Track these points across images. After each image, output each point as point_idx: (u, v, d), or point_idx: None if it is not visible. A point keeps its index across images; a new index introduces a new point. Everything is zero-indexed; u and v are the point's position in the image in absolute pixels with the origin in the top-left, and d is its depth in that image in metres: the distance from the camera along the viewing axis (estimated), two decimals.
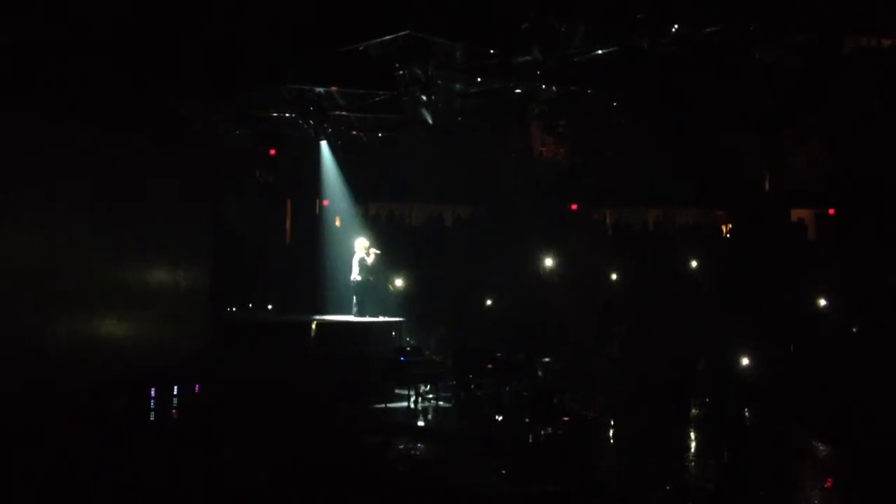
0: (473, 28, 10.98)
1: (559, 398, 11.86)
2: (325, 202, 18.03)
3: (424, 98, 12.44)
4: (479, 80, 12.82)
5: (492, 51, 11.66)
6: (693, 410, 12.24)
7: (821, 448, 10.69)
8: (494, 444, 10.19)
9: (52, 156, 9.47)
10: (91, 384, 9.71)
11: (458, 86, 13.20)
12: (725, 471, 9.81)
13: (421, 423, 11.99)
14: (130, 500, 7.29)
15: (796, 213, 18.25)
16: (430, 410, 12.69)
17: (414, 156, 17.10)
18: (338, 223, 18.00)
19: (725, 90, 12.37)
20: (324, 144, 16.67)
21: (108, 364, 10.39)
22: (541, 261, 17.51)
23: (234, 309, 16.46)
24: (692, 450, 10.95)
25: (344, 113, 14.54)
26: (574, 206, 19.13)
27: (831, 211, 17.89)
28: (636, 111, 14.15)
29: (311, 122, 14.03)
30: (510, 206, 17.55)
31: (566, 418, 10.70)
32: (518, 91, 13.27)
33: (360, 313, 14.81)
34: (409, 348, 13.68)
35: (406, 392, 12.82)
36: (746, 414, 11.77)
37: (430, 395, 13.22)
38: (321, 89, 13.13)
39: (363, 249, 14.94)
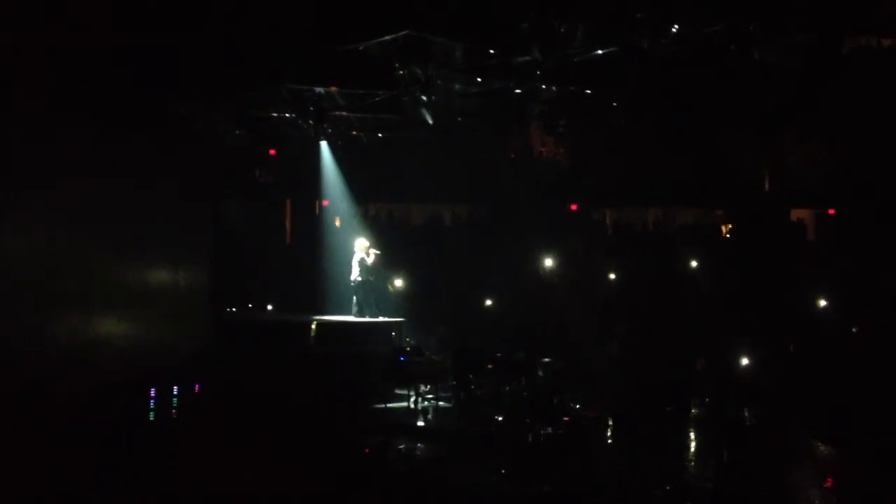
0: (473, 28, 10.97)
1: (559, 398, 11.87)
2: (325, 202, 18.03)
3: (424, 98, 12.44)
4: (479, 80, 12.82)
5: (492, 51, 11.65)
6: (693, 410, 12.24)
7: (821, 448, 10.69)
8: (494, 444, 10.19)
9: (52, 156, 9.46)
10: (91, 384, 9.70)
11: (457, 86, 13.21)
12: (725, 471, 9.81)
13: (421, 423, 11.99)
14: (130, 500, 7.28)
15: (796, 213, 18.25)
16: (430, 410, 12.69)
17: (414, 156, 17.09)
18: (338, 223, 18.00)
19: (725, 90, 12.35)
20: (324, 144, 16.65)
21: (108, 364, 10.38)
22: (540, 261, 17.49)
23: (234, 309, 16.46)
24: (692, 450, 10.95)
25: (344, 113, 14.54)
26: (574, 207, 19.12)
27: (831, 211, 17.88)
28: (636, 111, 14.14)
29: (310, 122, 14.01)
30: (510, 206, 17.53)
31: (566, 418, 10.70)
32: (518, 91, 13.27)
33: (360, 314, 14.81)
34: (409, 348, 13.67)
35: (406, 392, 12.82)
36: (746, 414, 11.75)
37: (430, 395, 13.22)
38: (321, 89, 13.12)
39: (363, 250, 14.94)
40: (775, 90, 12.25)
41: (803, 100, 12.47)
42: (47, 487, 7.21)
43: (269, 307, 17.23)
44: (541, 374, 12.98)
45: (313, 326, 13.90)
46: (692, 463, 10.17)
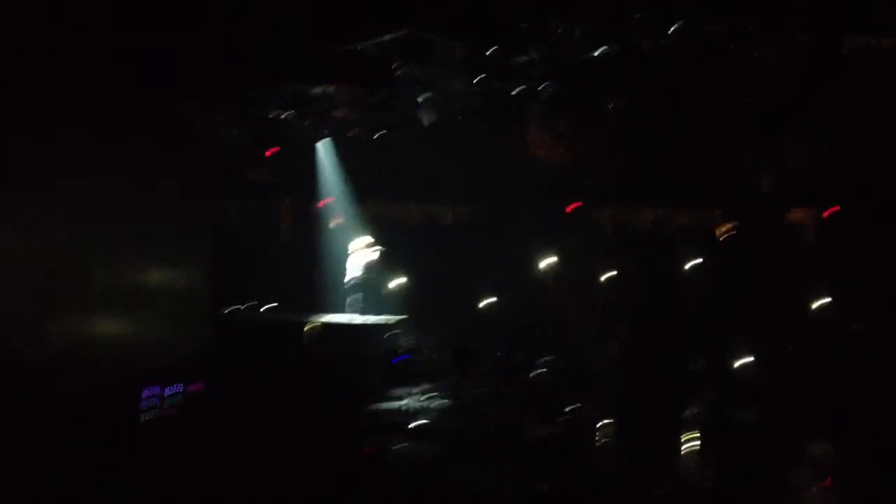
0: (473, 28, 10.97)
1: (559, 398, 11.86)
2: (324, 202, 18.02)
3: (424, 98, 12.44)
4: (478, 80, 12.82)
5: (492, 51, 11.65)
6: (693, 410, 12.23)
7: (821, 448, 10.68)
8: (494, 443, 10.18)
9: (52, 156, 9.46)
10: (91, 384, 9.70)
11: (457, 86, 13.20)
12: (725, 471, 9.80)
13: (421, 423, 11.99)
14: (130, 500, 7.28)
15: (796, 213, 18.23)
16: (430, 410, 12.68)
17: (413, 155, 17.09)
18: (337, 223, 17.99)
19: (726, 90, 12.36)
20: (323, 144, 16.64)
21: (107, 364, 10.39)
22: (540, 261, 17.48)
23: (233, 309, 16.45)
24: (692, 450, 10.93)
25: (344, 113, 14.53)
26: (574, 206, 19.10)
27: (831, 210, 17.87)
28: (636, 111, 14.14)
29: (310, 122, 14.02)
30: (510, 205, 17.53)
31: (566, 418, 10.70)
32: (518, 91, 13.26)
33: (360, 313, 14.80)
34: (408, 348, 13.67)
35: (406, 392, 12.81)
36: (746, 414, 11.75)
37: (430, 395, 13.21)
38: (320, 89, 13.12)
39: (363, 248, 14.93)
40: (775, 90, 12.26)
41: (803, 100, 12.47)
42: (47, 487, 7.21)
43: (269, 307, 17.21)
44: (541, 373, 12.97)
45: (313, 326, 13.88)
46: (692, 463, 10.16)
